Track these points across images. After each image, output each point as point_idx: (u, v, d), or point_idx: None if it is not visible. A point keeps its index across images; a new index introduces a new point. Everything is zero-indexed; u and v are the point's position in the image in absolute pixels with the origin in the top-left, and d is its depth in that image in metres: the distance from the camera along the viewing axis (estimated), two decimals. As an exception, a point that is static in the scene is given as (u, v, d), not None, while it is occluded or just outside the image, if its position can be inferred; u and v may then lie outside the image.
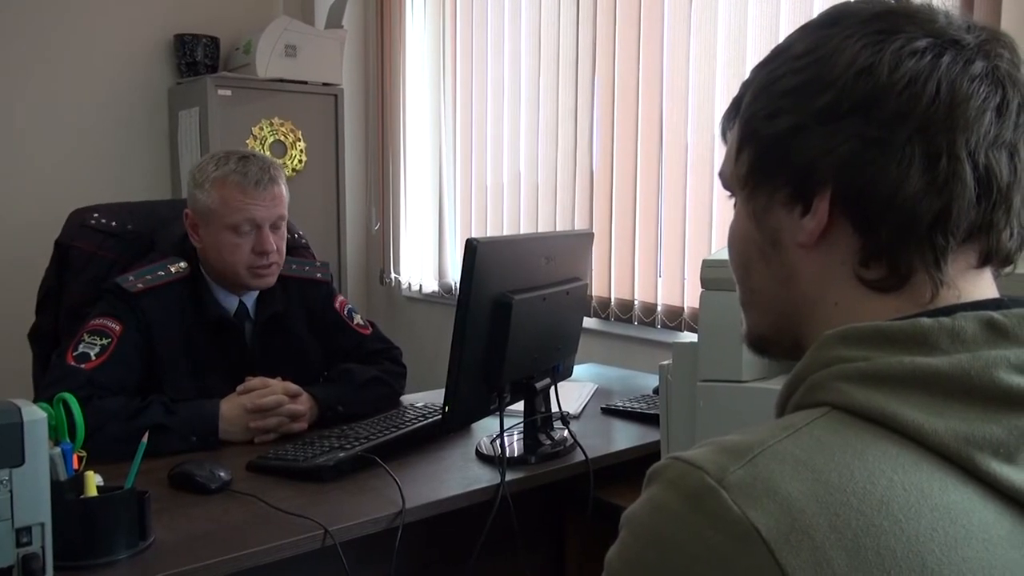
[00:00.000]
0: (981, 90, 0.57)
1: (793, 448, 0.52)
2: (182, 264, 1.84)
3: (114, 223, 2.03)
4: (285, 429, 1.73)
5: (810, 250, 0.63)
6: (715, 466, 0.52)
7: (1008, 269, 0.63)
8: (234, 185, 1.78)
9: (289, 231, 2.10)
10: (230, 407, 1.70)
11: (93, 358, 1.68)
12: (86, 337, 1.71)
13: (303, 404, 1.76)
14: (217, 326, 1.85)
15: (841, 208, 0.60)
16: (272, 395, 1.72)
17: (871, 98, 0.58)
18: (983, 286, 0.61)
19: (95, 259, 2.00)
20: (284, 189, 1.86)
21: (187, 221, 1.85)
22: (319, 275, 2.02)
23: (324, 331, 2.00)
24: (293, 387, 1.76)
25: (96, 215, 2.04)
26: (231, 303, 1.88)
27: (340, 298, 2.06)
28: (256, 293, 1.91)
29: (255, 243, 1.80)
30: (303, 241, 2.18)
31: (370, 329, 2.06)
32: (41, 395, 1.64)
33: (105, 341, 1.70)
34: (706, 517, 0.51)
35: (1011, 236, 0.60)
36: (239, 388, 1.73)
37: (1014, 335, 0.55)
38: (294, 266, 1.99)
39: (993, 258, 0.60)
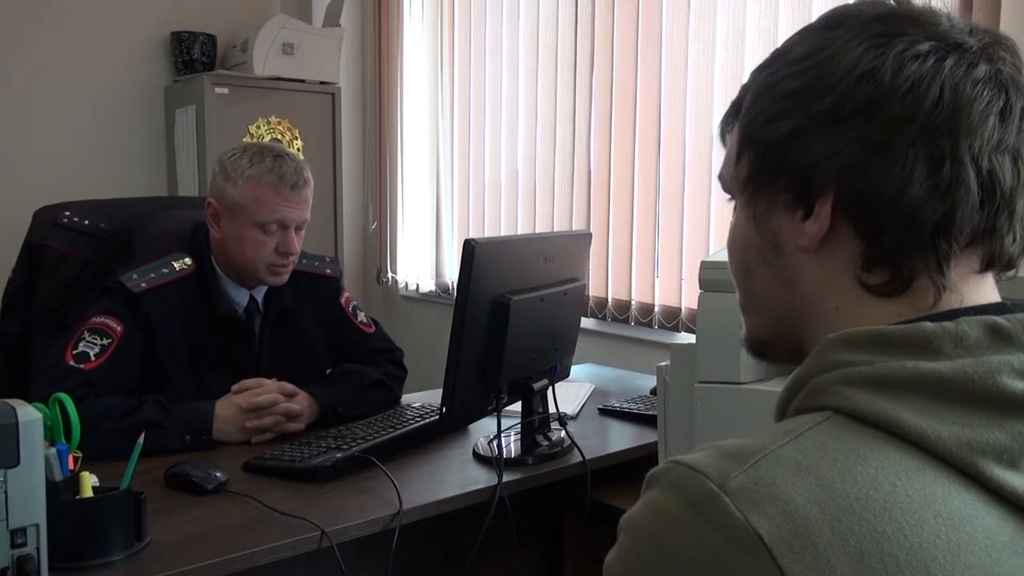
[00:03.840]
0: (984, 94, 0.57)
1: (795, 453, 0.52)
2: (187, 260, 1.81)
3: (87, 222, 2.00)
4: (282, 428, 1.72)
5: (811, 254, 0.62)
6: (717, 471, 0.52)
7: (1010, 273, 0.62)
8: (269, 185, 1.76)
9: None
10: (225, 407, 1.69)
11: (93, 358, 1.66)
12: (86, 335, 1.68)
13: (299, 403, 1.75)
14: (227, 322, 1.83)
15: (843, 212, 0.59)
16: (267, 394, 1.71)
17: (873, 102, 0.57)
18: (986, 291, 0.61)
19: (68, 259, 1.97)
20: (311, 191, 1.85)
21: (208, 210, 1.83)
22: (329, 271, 2.02)
23: (329, 326, 1.99)
24: (289, 386, 1.76)
25: (68, 213, 2.00)
26: (242, 297, 1.86)
27: (346, 294, 2.05)
28: (266, 287, 1.89)
29: (279, 243, 1.79)
30: None
31: (373, 328, 2.05)
32: (37, 394, 1.63)
33: (105, 341, 1.68)
34: (707, 522, 0.50)
35: (1014, 241, 0.59)
36: (234, 388, 1.72)
37: (1018, 340, 0.55)
38: (304, 261, 1.97)
39: (996, 263, 0.60)
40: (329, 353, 1.99)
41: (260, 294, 1.89)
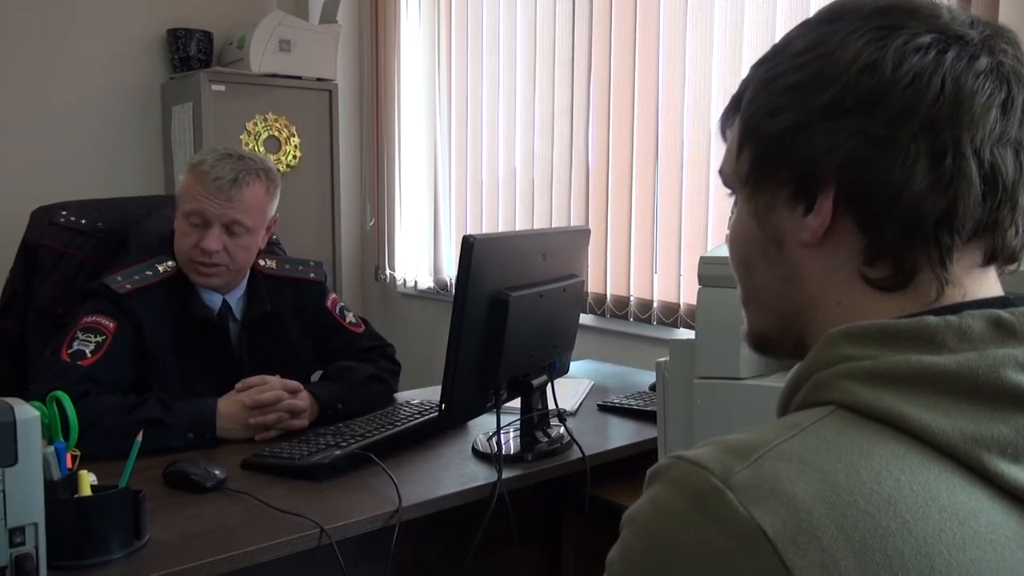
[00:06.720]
0: (986, 87, 0.57)
1: (799, 448, 0.52)
2: (170, 263, 1.81)
3: (84, 221, 2.00)
4: (285, 425, 1.71)
5: (813, 249, 0.62)
6: (720, 466, 0.51)
7: (1013, 267, 0.62)
8: (197, 175, 1.76)
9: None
10: (228, 404, 1.69)
11: (89, 355, 1.66)
12: (79, 334, 1.68)
13: (303, 400, 1.75)
14: (202, 326, 1.82)
15: (845, 206, 0.59)
16: (271, 391, 1.70)
17: (875, 95, 0.57)
18: (988, 284, 0.61)
19: (65, 258, 1.97)
20: (255, 197, 1.79)
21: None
22: (313, 275, 2.00)
23: (317, 331, 1.98)
24: (292, 383, 1.75)
25: (64, 212, 2.00)
26: (214, 301, 1.85)
27: (332, 296, 2.04)
28: (241, 292, 1.88)
29: (199, 238, 1.76)
30: (273, 237, 2.15)
31: (363, 327, 2.04)
32: (36, 392, 1.62)
33: (100, 338, 1.68)
34: (710, 517, 0.50)
35: (1016, 234, 0.59)
36: (237, 386, 1.72)
37: (1022, 334, 0.55)
38: (287, 266, 1.97)
39: (999, 256, 0.60)
40: (320, 358, 1.98)
41: (234, 299, 1.88)
